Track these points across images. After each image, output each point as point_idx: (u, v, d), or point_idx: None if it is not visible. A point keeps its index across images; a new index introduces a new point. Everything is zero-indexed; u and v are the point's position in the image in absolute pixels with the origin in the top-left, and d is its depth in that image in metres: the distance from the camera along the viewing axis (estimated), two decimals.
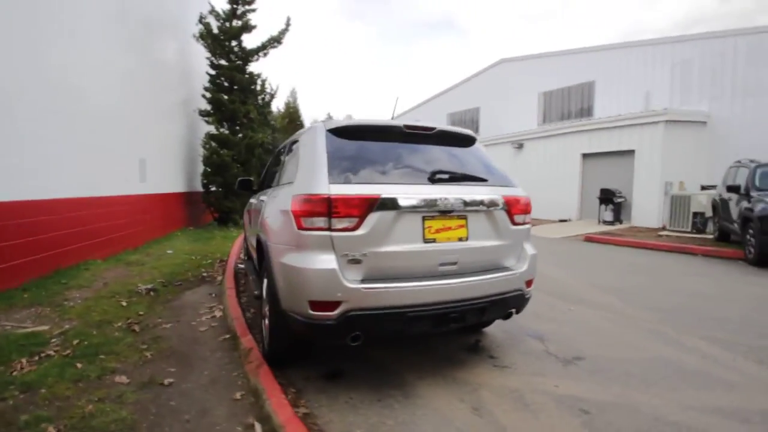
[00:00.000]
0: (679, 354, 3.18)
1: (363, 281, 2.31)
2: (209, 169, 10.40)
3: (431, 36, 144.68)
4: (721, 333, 3.60)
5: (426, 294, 2.39)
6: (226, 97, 10.55)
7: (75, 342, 3.15)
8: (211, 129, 10.73)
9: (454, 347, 3.30)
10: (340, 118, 4.80)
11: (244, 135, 10.79)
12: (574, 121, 15.72)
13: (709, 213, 9.96)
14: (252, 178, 5.06)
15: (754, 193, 6.53)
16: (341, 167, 2.45)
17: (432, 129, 2.80)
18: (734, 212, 7.46)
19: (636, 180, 12.82)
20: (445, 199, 2.48)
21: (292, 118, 31.14)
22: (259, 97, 13.61)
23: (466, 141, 3.01)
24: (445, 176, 2.57)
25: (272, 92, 15.31)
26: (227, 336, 3.36)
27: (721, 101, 13.62)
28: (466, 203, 2.53)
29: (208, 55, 10.72)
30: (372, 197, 2.32)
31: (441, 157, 2.78)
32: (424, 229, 2.45)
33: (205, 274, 5.85)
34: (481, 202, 2.60)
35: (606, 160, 14.06)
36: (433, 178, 2.55)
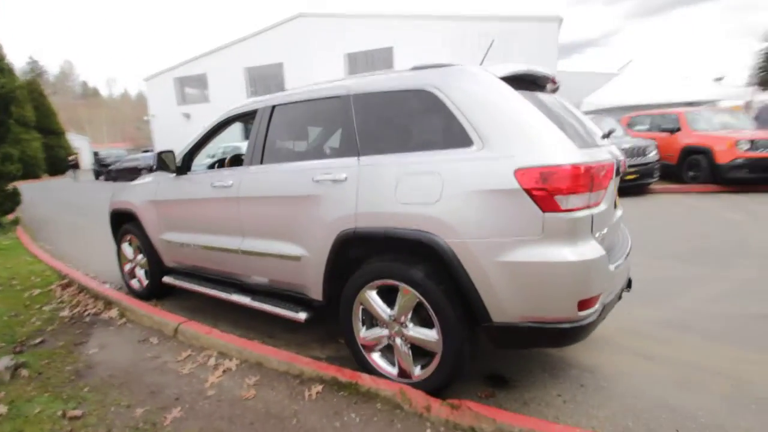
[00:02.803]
0: (650, 272, 3.94)
1: None
2: None
3: None
4: (649, 248, 4.71)
5: (626, 263, 2.26)
6: None
7: None
8: None
9: None
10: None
11: None
12: None
13: None
14: (172, 150, 3.26)
15: None
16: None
17: (556, 81, 2.52)
18: None
19: None
20: (623, 159, 2.33)
21: None
22: None
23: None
24: (609, 133, 2.38)
25: None
26: (318, 389, 2.22)
27: None
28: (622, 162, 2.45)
29: None
30: (610, 163, 1.95)
31: (570, 109, 2.55)
32: (614, 195, 2.26)
33: (68, 314, 3.59)
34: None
35: None
36: (607, 135, 2.33)
